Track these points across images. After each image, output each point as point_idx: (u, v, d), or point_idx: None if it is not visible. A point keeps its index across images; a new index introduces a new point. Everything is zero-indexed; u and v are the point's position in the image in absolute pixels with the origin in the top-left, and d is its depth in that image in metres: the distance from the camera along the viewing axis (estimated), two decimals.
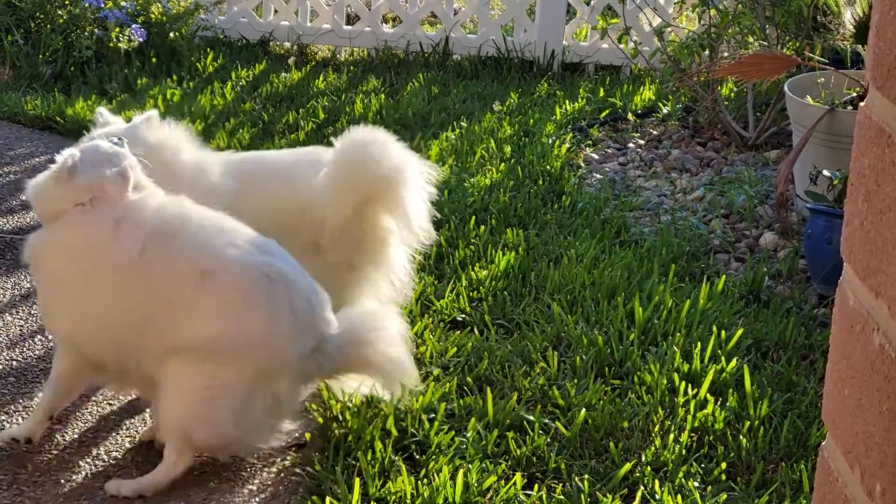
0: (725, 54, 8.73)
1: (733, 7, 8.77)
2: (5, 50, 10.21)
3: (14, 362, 5.31)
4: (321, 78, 10.55)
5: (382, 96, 9.89)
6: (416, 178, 5.22)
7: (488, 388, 5.01)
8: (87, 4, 10.25)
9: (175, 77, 10.24)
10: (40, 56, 10.21)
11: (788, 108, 7.42)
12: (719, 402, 5.00)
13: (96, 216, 4.46)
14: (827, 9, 7.52)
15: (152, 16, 10.71)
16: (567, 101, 9.94)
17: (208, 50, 11.00)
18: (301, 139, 8.62)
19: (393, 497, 4.27)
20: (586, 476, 4.44)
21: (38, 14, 10.40)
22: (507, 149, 8.43)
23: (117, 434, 4.83)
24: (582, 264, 6.36)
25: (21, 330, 5.63)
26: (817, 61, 7.27)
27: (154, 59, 10.52)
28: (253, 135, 8.66)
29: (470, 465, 4.43)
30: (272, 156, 5.95)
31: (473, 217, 6.95)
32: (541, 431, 4.75)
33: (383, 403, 4.82)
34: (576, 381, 5.17)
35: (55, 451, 4.67)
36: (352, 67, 11.12)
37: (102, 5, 10.30)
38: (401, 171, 5.17)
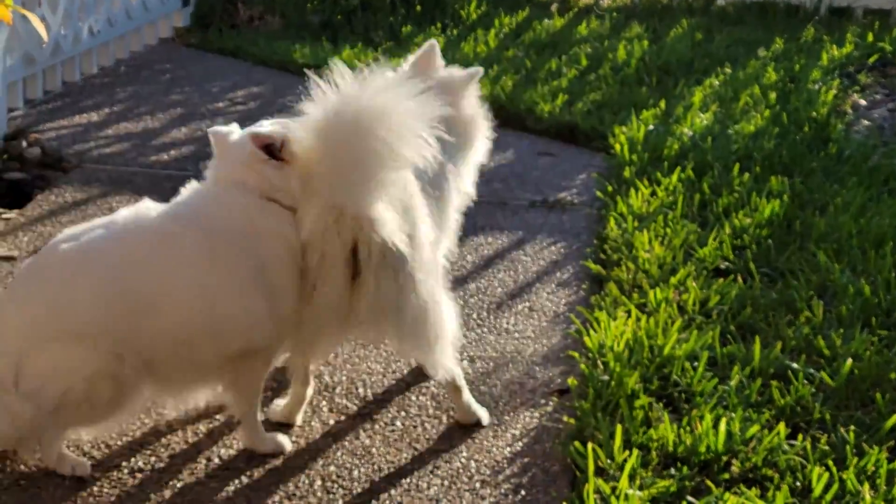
0: None
1: None
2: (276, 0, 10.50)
3: None
4: (584, 24, 10.56)
5: (645, 42, 9.85)
6: None
7: (756, 337, 4.97)
8: None
9: (439, 24, 10.38)
10: (309, 5, 10.50)
11: None
12: None
13: None
14: None
15: None
16: (834, 47, 9.74)
17: None
18: (564, 86, 8.64)
19: (655, 444, 4.28)
20: (852, 427, 4.37)
21: None
22: (772, 95, 8.31)
23: None
24: (848, 212, 6.25)
25: None
26: None
27: (418, 7, 10.69)
28: (516, 82, 8.72)
29: (732, 414, 4.41)
30: None
31: (737, 164, 6.88)
32: (805, 381, 4.69)
33: (645, 350, 4.84)
34: (841, 330, 5.09)
35: None
36: (614, 14, 11.10)
37: None
38: None
